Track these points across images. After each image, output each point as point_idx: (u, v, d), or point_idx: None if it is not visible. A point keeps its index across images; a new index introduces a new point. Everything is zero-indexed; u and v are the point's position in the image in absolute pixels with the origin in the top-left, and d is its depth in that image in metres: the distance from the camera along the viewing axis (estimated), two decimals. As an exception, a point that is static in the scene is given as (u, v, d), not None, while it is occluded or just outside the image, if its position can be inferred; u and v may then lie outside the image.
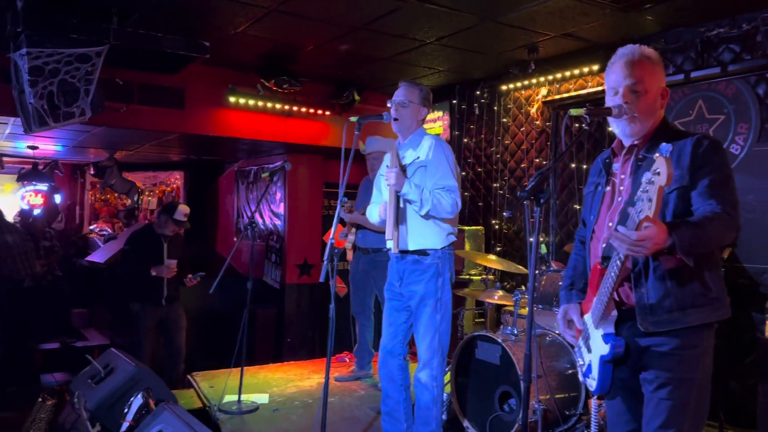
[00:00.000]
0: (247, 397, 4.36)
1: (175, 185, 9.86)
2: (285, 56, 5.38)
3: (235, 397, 4.26)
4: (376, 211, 3.52)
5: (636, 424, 2.17)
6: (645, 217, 1.75)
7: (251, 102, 5.93)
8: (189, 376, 5.01)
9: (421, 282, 3.26)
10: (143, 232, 5.47)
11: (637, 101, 2.10)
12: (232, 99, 5.85)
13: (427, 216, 3.20)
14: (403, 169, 3.31)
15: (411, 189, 3.15)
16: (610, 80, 2.18)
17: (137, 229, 5.80)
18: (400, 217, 3.29)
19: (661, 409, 2.03)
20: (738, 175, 3.90)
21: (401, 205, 3.29)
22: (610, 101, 2.17)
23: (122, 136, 6.51)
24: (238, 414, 4.10)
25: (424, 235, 3.27)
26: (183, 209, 5.25)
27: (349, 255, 4.97)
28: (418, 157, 3.30)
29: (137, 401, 3.11)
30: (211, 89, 5.81)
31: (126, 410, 3.17)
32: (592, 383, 2.20)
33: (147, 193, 10.38)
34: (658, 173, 1.69)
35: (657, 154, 1.70)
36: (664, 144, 1.75)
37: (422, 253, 3.27)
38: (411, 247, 3.28)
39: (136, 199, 9.59)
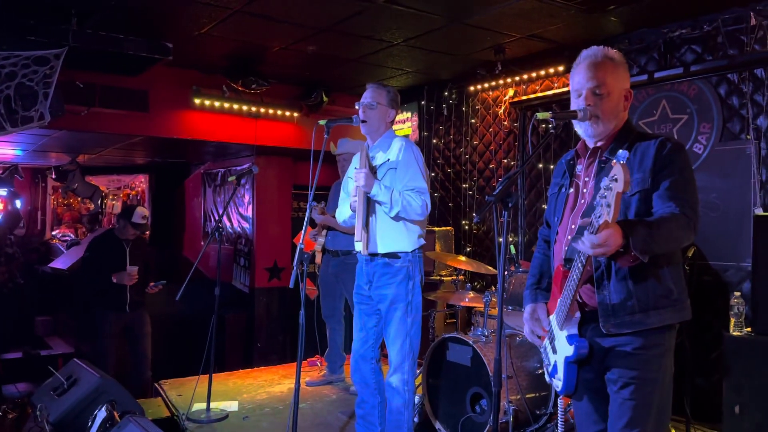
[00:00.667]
0: (217, 405, 4.29)
1: (139, 188, 9.68)
2: (251, 57, 5.32)
3: (203, 405, 4.18)
4: (344, 209, 3.48)
5: (604, 424, 2.18)
6: (604, 222, 1.77)
7: (217, 104, 5.84)
8: (156, 385, 4.91)
9: (392, 285, 3.24)
10: (104, 237, 5.35)
11: (599, 103, 2.12)
12: (197, 101, 5.76)
13: (396, 217, 3.18)
14: (372, 170, 3.28)
15: (381, 190, 3.13)
16: (574, 82, 2.19)
17: (98, 235, 5.68)
18: (369, 220, 3.27)
19: (625, 409, 2.05)
20: (701, 174, 4.02)
21: (371, 207, 3.27)
22: (574, 103, 2.19)
23: (84, 139, 6.37)
24: (207, 422, 4.03)
25: (395, 237, 3.24)
26: (141, 212, 5.15)
27: (318, 258, 4.93)
28: (389, 159, 3.28)
29: (101, 414, 3.03)
30: (175, 91, 5.72)
31: (90, 423, 3.08)
32: (558, 383, 2.22)
33: (111, 197, 10.17)
34: (616, 180, 1.71)
35: (614, 161, 1.72)
36: (621, 151, 1.77)
37: (393, 256, 3.25)
38: (381, 250, 3.25)
39: (99, 203, 9.39)
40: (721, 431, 3.34)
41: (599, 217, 1.78)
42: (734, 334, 3.30)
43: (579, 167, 2.26)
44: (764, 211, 3.75)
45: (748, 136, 3.94)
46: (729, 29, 4.01)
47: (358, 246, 3.25)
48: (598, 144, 2.19)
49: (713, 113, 4.13)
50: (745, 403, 3.15)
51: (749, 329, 3.29)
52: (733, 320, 3.35)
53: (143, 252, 5.32)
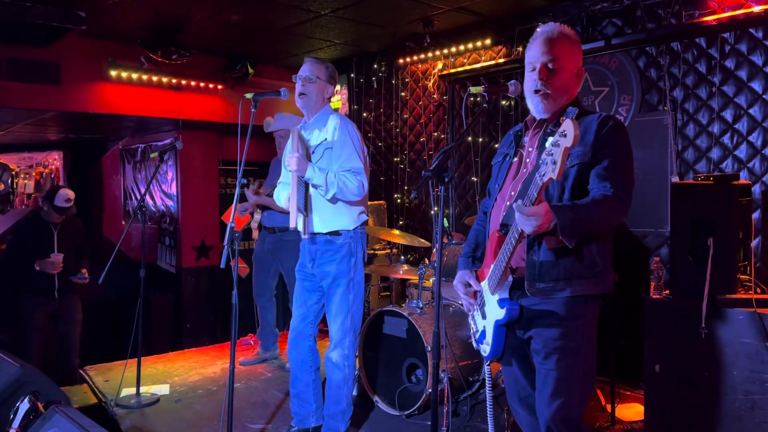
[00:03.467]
0: (147, 389, 4.17)
1: (53, 166, 9.18)
2: (171, 27, 5.08)
3: (133, 390, 4.06)
4: (284, 195, 3.40)
5: (532, 390, 2.26)
6: (549, 179, 1.77)
7: (135, 76, 5.57)
8: (81, 371, 4.72)
9: (334, 262, 3.21)
10: (30, 219, 5.06)
11: (551, 78, 2.15)
12: (113, 73, 5.47)
13: (333, 199, 3.14)
14: (308, 151, 3.21)
15: (315, 173, 3.06)
16: (529, 56, 2.21)
17: (24, 217, 5.36)
18: (308, 201, 3.21)
19: (550, 380, 2.12)
20: (622, 144, 4.15)
21: (309, 187, 3.21)
22: (527, 77, 2.21)
23: (-10, 115, 5.94)
24: (138, 408, 3.91)
25: (336, 217, 3.20)
26: (64, 194, 4.85)
27: (255, 234, 4.85)
28: (325, 139, 3.22)
29: (24, 406, 2.85)
30: (90, 63, 5.43)
31: (12, 416, 2.91)
32: (486, 348, 2.26)
33: (23, 176, 9.61)
34: (565, 135, 1.71)
35: (563, 117, 1.73)
36: (570, 108, 1.77)
37: (334, 233, 3.21)
38: (323, 230, 3.21)
39: (9, 182, 8.84)
40: (642, 389, 3.52)
41: (543, 175, 1.78)
42: (654, 297, 3.45)
43: (525, 138, 2.29)
44: (680, 180, 3.94)
45: (666, 107, 4.11)
46: (647, 3, 4.13)
47: (296, 227, 3.19)
48: (545, 117, 2.22)
49: (633, 85, 4.28)
50: (665, 362, 3.33)
51: (668, 292, 3.46)
52: (652, 284, 3.50)
53: (75, 234, 5.05)
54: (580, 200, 2.00)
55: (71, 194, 4.90)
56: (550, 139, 1.76)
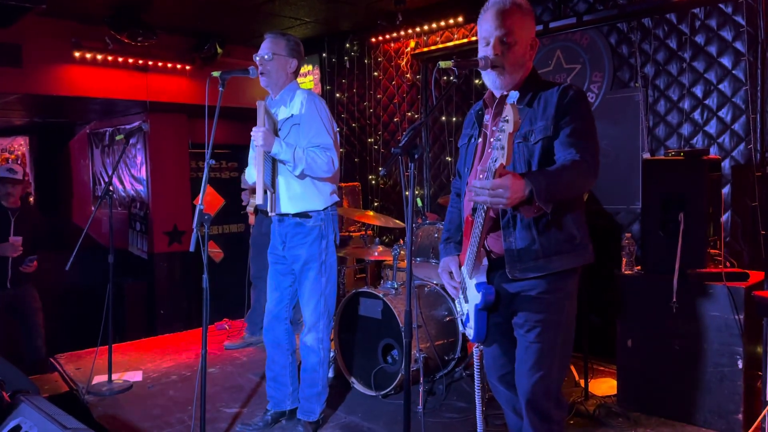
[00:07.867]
0: (119, 376, 4.11)
1: (19, 152, 8.95)
2: (136, 6, 4.95)
3: (105, 378, 4.00)
4: (254, 172, 3.33)
5: (511, 366, 2.26)
6: (500, 165, 1.77)
7: (100, 57, 5.43)
8: (52, 359, 4.63)
9: (305, 245, 3.15)
10: None
11: (507, 53, 2.09)
12: (77, 54, 5.32)
13: (302, 176, 3.08)
14: (275, 126, 3.14)
15: (282, 148, 2.99)
16: (482, 30, 2.14)
17: None
18: (275, 177, 3.15)
19: (531, 352, 2.13)
20: (593, 122, 4.16)
21: (276, 165, 3.14)
22: (481, 51, 2.14)
23: (-51, 99, 5.76)
24: (110, 395, 3.85)
25: (305, 196, 3.13)
26: (5, 165, 4.77)
27: (251, 219, 4.80)
28: (291, 114, 3.14)
29: (-12, 396, 2.79)
30: (52, 44, 5.28)
31: (-25, 407, 2.83)
32: (470, 331, 2.26)
33: (-14, 163, 9.34)
34: (507, 120, 1.71)
35: (506, 103, 1.72)
36: (512, 92, 1.77)
37: (304, 215, 3.14)
38: (292, 210, 3.14)
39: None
40: (615, 364, 3.56)
41: (495, 161, 1.78)
42: (626, 272, 3.49)
43: (486, 117, 2.24)
44: (652, 156, 3.96)
45: (637, 84, 4.12)
46: (618, -21, 4.13)
47: (260, 203, 3.11)
48: (504, 93, 2.17)
49: (604, 62, 4.28)
50: (637, 336, 3.37)
51: (639, 267, 3.49)
52: (624, 260, 3.53)
53: (32, 220, 4.91)
54: (548, 167, 1.98)
55: (15, 166, 4.79)
56: (500, 123, 1.75)
